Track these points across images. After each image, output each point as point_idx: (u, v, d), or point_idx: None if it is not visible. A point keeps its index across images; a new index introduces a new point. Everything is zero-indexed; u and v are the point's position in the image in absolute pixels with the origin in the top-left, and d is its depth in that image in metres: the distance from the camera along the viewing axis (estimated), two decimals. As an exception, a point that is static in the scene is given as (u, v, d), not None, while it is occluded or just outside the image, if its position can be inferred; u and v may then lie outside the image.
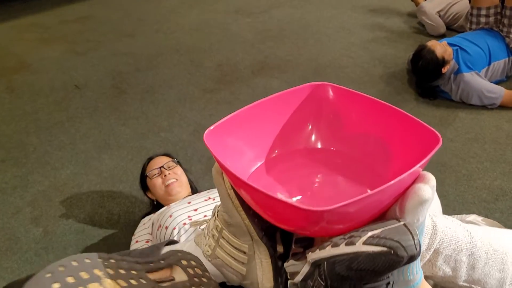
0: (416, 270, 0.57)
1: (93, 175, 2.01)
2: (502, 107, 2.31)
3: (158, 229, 1.43)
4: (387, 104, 0.64)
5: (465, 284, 0.79)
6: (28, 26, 3.75)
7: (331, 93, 0.65)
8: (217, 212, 0.66)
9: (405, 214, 0.49)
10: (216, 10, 3.91)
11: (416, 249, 0.45)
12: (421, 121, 0.57)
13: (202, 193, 1.49)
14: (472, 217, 1.26)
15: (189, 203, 1.45)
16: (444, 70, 2.28)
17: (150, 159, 1.70)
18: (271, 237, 0.63)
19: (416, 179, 0.50)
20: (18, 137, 2.31)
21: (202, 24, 3.62)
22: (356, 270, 0.45)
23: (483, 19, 2.55)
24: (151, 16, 3.86)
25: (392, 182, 0.45)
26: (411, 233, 0.45)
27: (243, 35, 3.32)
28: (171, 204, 1.46)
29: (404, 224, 0.46)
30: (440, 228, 0.74)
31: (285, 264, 0.59)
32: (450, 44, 2.38)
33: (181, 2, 4.16)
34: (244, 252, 0.63)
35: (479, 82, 2.32)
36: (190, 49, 3.17)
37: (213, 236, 0.66)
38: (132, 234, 1.54)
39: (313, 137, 0.66)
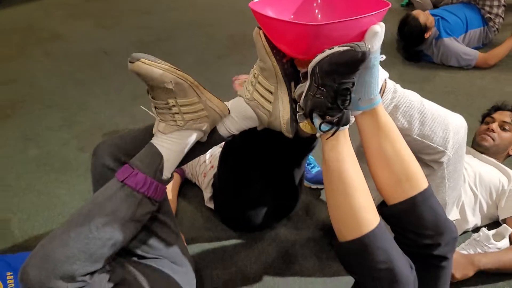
0: (376, 92, 0.94)
1: (128, 118, 2.38)
2: (476, 67, 2.69)
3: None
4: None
5: (418, 137, 1.15)
6: (57, 4, 4.13)
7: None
8: (255, 66, 1.03)
9: (365, 40, 0.87)
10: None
11: (367, 48, 0.81)
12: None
13: None
14: None
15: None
16: (426, 35, 2.65)
17: None
18: (289, 81, 1.00)
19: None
20: (60, 90, 2.68)
21: (213, 2, 4.00)
22: (334, 63, 0.82)
23: (462, -6, 2.93)
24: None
25: (361, 16, 0.82)
26: (365, 44, 0.82)
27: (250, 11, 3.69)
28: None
29: (368, 49, 0.83)
30: (399, 90, 1.11)
31: (296, 89, 0.97)
32: (433, 14, 2.75)
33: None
34: (271, 93, 1.00)
35: (457, 46, 2.69)
36: (203, 24, 3.55)
37: (251, 83, 1.03)
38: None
39: (316, 10, 1.04)
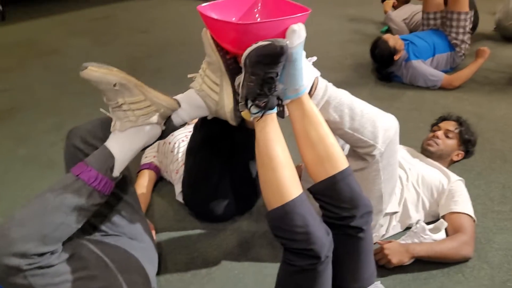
0: (301, 83, 1.13)
1: (114, 124, 2.56)
2: (442, 88, 2.89)
3: (163, 145, 1.98)
4: (291, 1, 1.20)
5: (349, 131, 1.33)
6: (57, 23, 4.39)
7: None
8: (203, 62, 1.22)
9: (286, 37, 1.06)
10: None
11: (285, 43, 1.00)
12: (304, 6, 1.14)
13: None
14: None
15: (185, 127, 2.01)
16: (396, 57, 2.85)
17: None
18: (233, 75, 1.19)
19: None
20: (54, 99, 2.89)
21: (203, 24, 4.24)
22: (260, 55, 1.01)
23: (432, 21, 3.16)
24: (162, 17, 4.50)
25: (283, 17, 1.02)
26: (283, 40, 1.01)
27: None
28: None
29: (286, 44, 1.02)
30: (330, 88, 1.29)
31: (236, 80, 1.15)
32: (403, 39, 2.96)
33: (188, 8, 4.81)
34: (217, 84, 1.19)
35: (424, 68, 2.90)
36: (194, 42, 3.75)
37: (200, 75, 1.22)
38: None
39: (257, 15, 1.24)
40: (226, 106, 1.21)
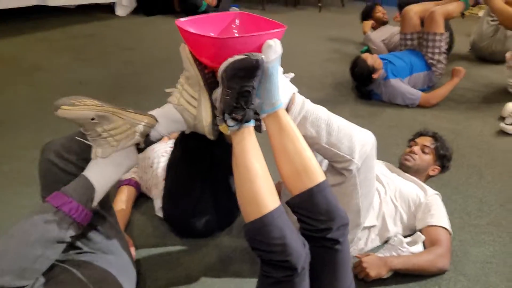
0: (277, 98, 1.15)
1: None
2: (420, 106, 2.96)
3: (143, 160, 1.99)
4: (268, 19, 1.24)
5: (326, 145, 1.36)
6: (39, 40, 4.38)
7: (243, 15, 1.27)
8: (181, 76, 1.24)
9: (262, 52, 1.08)
10: (202, 34, 4.59)
11: (260, 57, 1.03)
12: (280, 23, 1.18)
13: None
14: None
15: (166, 142, 2.03)
16: (375, 76, 2.92)
17: None
18: (211, 90, 1.21)
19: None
20: (36, 115, 2.85)
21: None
22: (236, 68, 1.03)
23: (409, 42, 3.25)
24: (149, 36, 4.53)
25: (260, 33, 1.05)
26: (259, 54, 1.04)
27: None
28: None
29: (262, 58, 1.05)
30: (307, 103, 1.33)
31: (213, 94, 1.18)
32: (382, 58, 3.04)
33: (171, 28, 4.79)
34: (195, 98, 1.21)
35: (402, 86, 2.98)
36: (178, 60, 3.79)
37: (178, 90, 1.24)
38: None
39: (235, 31, 1.27)
40: (204, 120, 1.23)
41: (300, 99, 1.32)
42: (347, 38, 4.43)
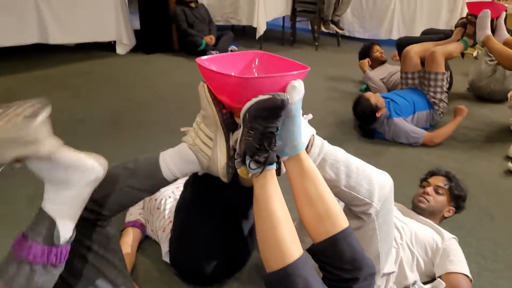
0: (299, 140, 1.11)
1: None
2: (424, 145, 2.95)
3: (149, 202, 1.92)
4: (289, 59, 1.21)
5: (345, 189, 1.31)
6: (38, 78, 4.36)
7: (262, 55, 1.25)
8: (198, 115, 1.20)
9: (286, 93, 1.05)
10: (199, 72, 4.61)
11: (285, 97, 0.99)
12: (302, 64, 1.15)
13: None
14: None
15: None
16: (378, 114, 2.91)
17: None
18: (228, 130, 1.16)
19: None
20: (32, 154, 2.79)
21: (188, 80, 4.30)
22: (260, 109, 1.00)
23: (410, 81, 3.27)
24: (146, 74, 4.54)
25: (285, 73, 1.02)
26: (284, 94, 1.00)
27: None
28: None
29: (287, 98, 1.01)
30: (326, 145, 1.29)
31: (233, 136, 1.13)
32: (384, 97, 3.04)
33: (170, 65, 4.88)
34: (211, 139, 1.16)
35: (406, 125, 2.96)
36: (177, 98, 3.80)
37: (194, 129, 1.19)
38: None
39: (254, 70, 1.24)
40: (219, 162, 1.18)
41: (319, 140, 1.28)
42: (345, 76, 4.46)
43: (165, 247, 1.73)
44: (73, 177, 1.01)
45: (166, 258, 1.74)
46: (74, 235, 1.03)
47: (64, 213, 0.99)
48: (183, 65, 4.91)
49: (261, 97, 1.00)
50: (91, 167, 1.03)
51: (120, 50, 5.22)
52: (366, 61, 3.98)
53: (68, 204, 1.00)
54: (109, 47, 5.30)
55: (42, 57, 4.94)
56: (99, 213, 1.16)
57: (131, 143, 2.96)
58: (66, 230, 0.99)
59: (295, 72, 1.06)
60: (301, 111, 1.17)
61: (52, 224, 0.97)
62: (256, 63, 1.23)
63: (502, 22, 3.14)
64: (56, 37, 4.65)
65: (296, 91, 1.06)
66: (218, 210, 1.48)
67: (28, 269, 0.94)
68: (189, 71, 4.67)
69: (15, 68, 4.55)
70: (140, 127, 3.21)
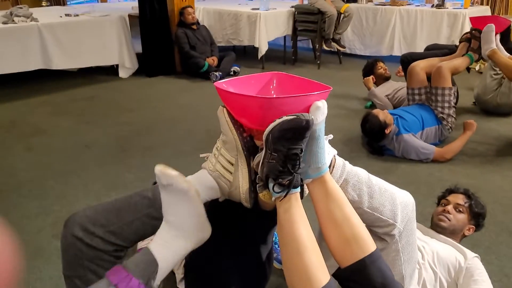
0: (323, 161, 1.08)
1: (103, 206, 2.44)
2: (434, 161, 2.91)
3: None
4: (308, 79, 1.18)
5: (368, 210, 1.27)
6: (42, 103, 4.35)
7: (280, 75, 1.22)
8: (218, 141, 1.16)
9: (310, 113, 1.02)
10: (203, 93, 4.61)
11: (310, 118, 0.96)
12: (323, 84, 1.12)
13: None
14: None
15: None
16: (387, 131, 2.89)
17: None
18: (249, 154, 1.13)
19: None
20: (38, 181, 2.75)
21: (192, 102, 4.29)
22: (283, 129, 0.96)
23: (417, 97, 3.25)
24: (150, 97, 4.53)
25: (309, 93, 0.99)
26: (308, 115, 0.97)
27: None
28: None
29: (312, 118, 0.98)
30: (347, 166, 1.25)
31: (254, 159, 1.09)
32: (392, 114, 3.02)
33: (174, 88, 4.87)
34: (232, 164, 1.13)
35: (415, 141, 2.93)
36: (182, 120, 3.78)
37: (214, 155, 1.16)
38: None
39: (272, 91, 1.21)
40: (241, 187, 1.14)
41: (340, 161, 1.24)
42: (349, 93, 4.45)
43: (179, 274, 1.68)
44: (191, 228, 1.06)
45: (180, 285, 1.69)
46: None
47: (165, 265, 1.02)
48: (186, 87, 4.91)
49: (285, 117, 0.97)
50: (207, 229, 1.10)
51: (122, 73, 5.22)
52: (371, 78, 3.97)
53: (173, 254, 1.04)
54: (111, 71, 5.31)
55: (46, 82, 4.95)
56: (117, 244, 1.12)
57: (138, 167, 2.93)
58: (159, 279, 1.02)
59: (318, 92, 1.03)
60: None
61: (155, 268, 1.00)
62: (274, 84, 1.21)
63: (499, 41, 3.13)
64: (59, 63, 4.67)
65: (320, 112, 1.03)
66: (236, 236, 1.44)
67: None
68: (192, 93, 4.67)
69: (19, 94, 4.55)
70: (146, 151, 3.19)
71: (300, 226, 1.01)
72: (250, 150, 1.13)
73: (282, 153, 0.99)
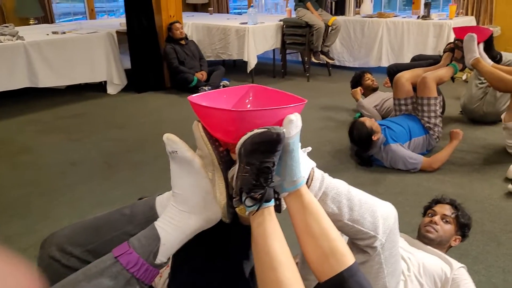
0: (298, 175, 1.07)
1: (88, 224, 2.41)
2: (422, 170, 2.91)
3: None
4: (284, 92, 1.17)
5: (349, 222, 1.25)
6: (29, 121, 4.32)
7: (256, 88, 1.21)
8: (195, 156, 1.15)
9: (283, 126, 1.01)
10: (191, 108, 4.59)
11: (281, 131, 0.95)
12: (298, 96, 1.11)
13: None
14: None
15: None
16: (374, 138, 2.88)
17: None
18: (226, 169, 1.11)
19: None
20: (22, 199, 2.72)
21: (181, 117, 4.27)
22: (255, 143, 0.95)
23: (403, 107, 3.27)
24: (139, 113, 4.51)
25: (281, 106, 0.98)
26: (279, 127, 0.96)
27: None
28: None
29: (283, 131, 0.97)
30: (326, 178, 1.24)
31: (229, 172, 1.08)
32: (380, 124, 3.02)
33: (163, 103, 4.87)
34: (209, 179, 1.11)
35: (403, 151, 2.93)
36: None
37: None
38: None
39: (248, 105, 1.19)
40: (219, 202, 1.12)
41: (319, 174, 1.23)
42: (338, 105, 4.46)
43: (162, 293, 1.65)
44: (196, 204, 1.07)
45: (163, 304, 1.65)
46: (165, 265, 1.07)
47: (169, 241, 1.04)
48: (175, 102, 4.90)
49: (256, 130, 0.96)
50: (215, 210, 1.10)
51: (111, 90, 5.21)
52: (358, 90, 3.98)
53: (178, 231, 1.05)
54: (100, 87, 5.30)
55: (34, 100, 4.93)
56: None
57: (125, 184, 2.90)
58: (162, 255, 1.03)
59: (291, 105, 1.02)
60: (300, 145, 1.12)
61: (157, 243, 1.02)
62: (251, 97, 1.20)
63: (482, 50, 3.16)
64: (46, 81, 4.66)
65: (293, 125, 1.02)
66: (218, 252, 1.41)
67: (117, 271, 0.97)
68: (181, 108, 4.66)
69: (6, 113, 4.52)
70: (134, 167, 3.16)
71: (273, 241, 0.99)
72: (227, 165, 1.12)
73: (255, 167, 0.98)
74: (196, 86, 5.05)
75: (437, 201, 1.90)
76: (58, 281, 1.07)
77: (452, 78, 3.47)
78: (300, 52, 6.10)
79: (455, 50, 3.30)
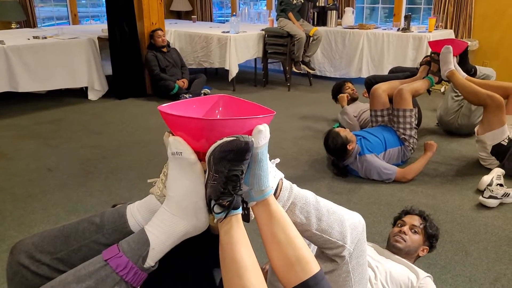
0: (266, 185, 1.09)
1: (62, 231, 2.39)
2: (396, 181, 2.96)
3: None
4: (254, 103, 1.20)
5: (317, 232, 1.28)
6: (5, 126, 4.26)
7: (226, 99, 1.23)
8: (165, 165, 1.16)
9: (252, 136, 1.03)
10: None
11: (249, 139, 0.98)
12: (268, 108, 1.14)
13: None
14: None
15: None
16: (349, 147, 2.92)
17: None
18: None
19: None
20: (-4, 206, 2.69)
21: (161, 125, 4.25)
22: (224, 151, 0.97)
23: (380, 118, 3.33)
24: (117, 119, 4.49)
25: (250, 117, 1.01)
26: (248, 136, 0.99)
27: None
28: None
29: (251, 140, 1.00)
30: (294, 189, 1.26)
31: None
32: (356, 135, 3.07)
33: (143, 110, 4.86)
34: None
35: (378, 162, 2.99)
36: (149, 143, 3.76)
37: (161, 180, 1.16)
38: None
39: (218, 115, 1.22)
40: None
41: (287, 184, 1.26)
42: (318, 115, 4.52)
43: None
44: (187, 208, 1.08)
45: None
46: (153, 269, 1.08)
47: (158, 245, 1.05)
48: (155, 109, 4.83)
49: (225, 139, 0.98)
50: (204, 219, 1.11)
51: (92, 96, 5.18)
52: (345, 96, 4.00)
53: (167, 235, 1.06)
54: (81, 93, 5.26)
55: (11, 105, 4.87)
56: (64, 271, 1.10)
57: (101, 191, 2.89)
58: (151, 259, 1.04)
59: (260, 116, 1.05)
60: (268, 156, 1.15)
61: (146, 247, 1.03)
62: (221, 107, 1.22)
63: (456, 63, 3.26)
64: (26, 85, 4.61)
65: (262, 135, 1.05)
66: (188, 260, 1.43)
67: (106, 274, 0.99)
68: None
69: (-18, 117, 4.46)
70: (110, 174, 3.15)
71: (240, 248, 1.01)
72: None
73: (223, 174, 1.00)
74: (177, 93, 5.05)
75: (406, 212, 1.94)
76: None
77: (428, 91, 3.55)
78: (281, 62, 6.16)
79: (431, 63, 3.39)
